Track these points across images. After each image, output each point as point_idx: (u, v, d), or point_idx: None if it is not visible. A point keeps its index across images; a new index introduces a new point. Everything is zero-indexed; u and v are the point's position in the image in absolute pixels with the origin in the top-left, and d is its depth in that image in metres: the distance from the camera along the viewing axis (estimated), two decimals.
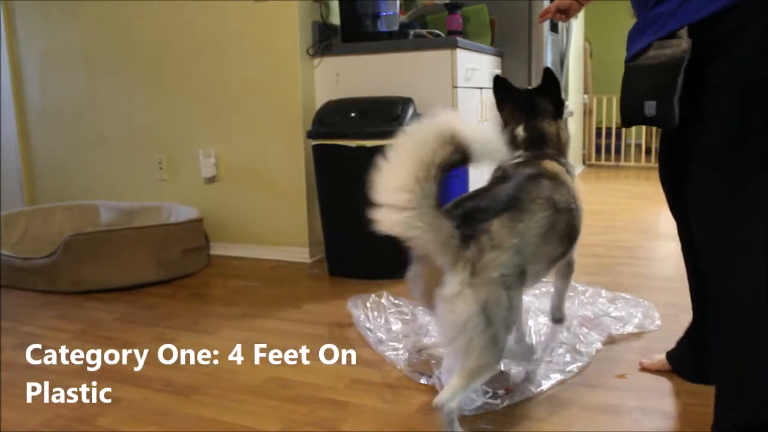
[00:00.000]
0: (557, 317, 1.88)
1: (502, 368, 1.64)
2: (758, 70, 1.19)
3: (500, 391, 1.57)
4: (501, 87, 1.76)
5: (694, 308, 1.59)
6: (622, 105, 1.36)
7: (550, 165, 1.59)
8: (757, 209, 1.22)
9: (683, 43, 1.23)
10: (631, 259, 2.89)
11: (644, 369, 1.74)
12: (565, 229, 1.51)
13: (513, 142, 1.67)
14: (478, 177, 3.21)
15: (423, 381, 1.68)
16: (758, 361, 1.23)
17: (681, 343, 1.68)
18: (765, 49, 1.18)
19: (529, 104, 1.69)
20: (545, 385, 1.64)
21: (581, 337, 1.90)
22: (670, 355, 1.71)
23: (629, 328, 2.01)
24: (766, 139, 1.21)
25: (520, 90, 1.76)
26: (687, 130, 1.29)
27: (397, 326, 2.04)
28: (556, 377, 1.68)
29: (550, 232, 1.45)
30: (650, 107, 1.28)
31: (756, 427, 1.22)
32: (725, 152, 1.26)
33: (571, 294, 2.17)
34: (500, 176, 1.58)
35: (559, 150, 1.68)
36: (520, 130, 1.68)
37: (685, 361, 1.66)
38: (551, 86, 1.69)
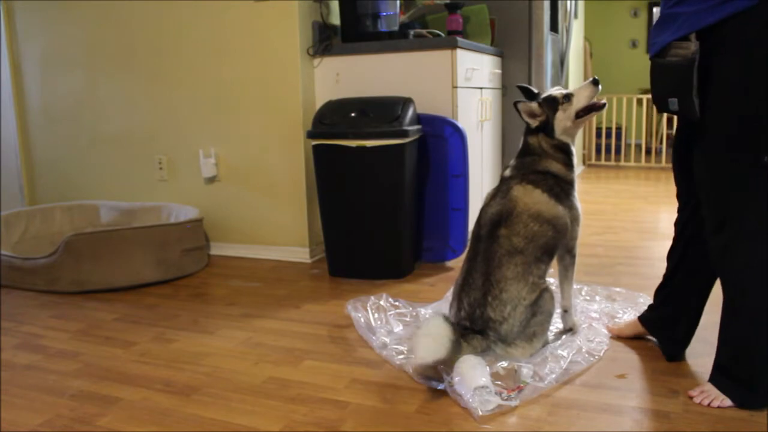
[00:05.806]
0: (563, 308, 1.99)
1: (514, 367, 1.66)
2: (751, 67, 1.38)
3: (513, 391, 1.57)
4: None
5: (669, 274, 1.78)
6: (653, 98, 1.58)
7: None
8: (754, 194, 1.42)
9: (692, 46, 1.43)
10: (631, 259, 2.89)
11: (613, 332, 1.96)
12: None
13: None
14: (479, 177, 3.21)
15: (432, 385, 1.66)
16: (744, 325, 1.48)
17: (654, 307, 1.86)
18: (756, 50, 1.37)
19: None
20: (550, 378, 1.65)
21: (589, 336, 1.92)
22: (643, 317, 1.89)
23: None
24: (761, 129, 1.39)
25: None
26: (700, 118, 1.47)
27: (398, 328, 2.04)
28: (563, 376, 1.69)
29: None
30: (673, 103, 1.50)
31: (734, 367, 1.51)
32: (726, 143, 1.45)
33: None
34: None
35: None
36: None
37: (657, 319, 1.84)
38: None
